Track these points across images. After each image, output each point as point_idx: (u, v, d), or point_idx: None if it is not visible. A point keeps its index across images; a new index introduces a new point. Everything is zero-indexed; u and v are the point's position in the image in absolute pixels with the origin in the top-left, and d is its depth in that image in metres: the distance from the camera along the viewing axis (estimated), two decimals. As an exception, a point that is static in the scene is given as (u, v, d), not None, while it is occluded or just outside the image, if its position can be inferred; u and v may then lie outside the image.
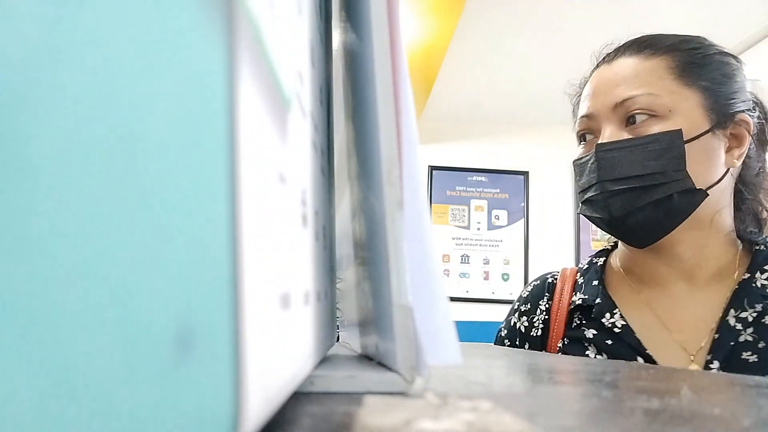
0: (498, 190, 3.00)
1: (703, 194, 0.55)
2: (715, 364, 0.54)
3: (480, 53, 2.32)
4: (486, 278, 2.90)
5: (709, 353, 0.54)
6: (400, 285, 0.19)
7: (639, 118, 0.56)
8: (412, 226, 0.19)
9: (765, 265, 0.57)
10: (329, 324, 0.30)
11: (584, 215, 0.63)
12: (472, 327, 2.80)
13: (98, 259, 0.07)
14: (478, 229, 2.95)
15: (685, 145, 0.54)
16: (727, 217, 0.59)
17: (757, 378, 0.30)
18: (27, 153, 0.07)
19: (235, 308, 0.09)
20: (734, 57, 0.59)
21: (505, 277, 2.91)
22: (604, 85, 0.60)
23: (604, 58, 0.63)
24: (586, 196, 0.60)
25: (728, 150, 0.57)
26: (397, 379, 0.20)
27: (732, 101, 0.56)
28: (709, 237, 0.58)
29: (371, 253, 0.23)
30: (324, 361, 0.27)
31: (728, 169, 0.57)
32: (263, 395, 0.11)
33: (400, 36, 0.20)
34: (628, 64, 0.59)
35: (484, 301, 2.87)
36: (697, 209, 0.56)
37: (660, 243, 0.59)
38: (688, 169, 0.54)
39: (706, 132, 0.55)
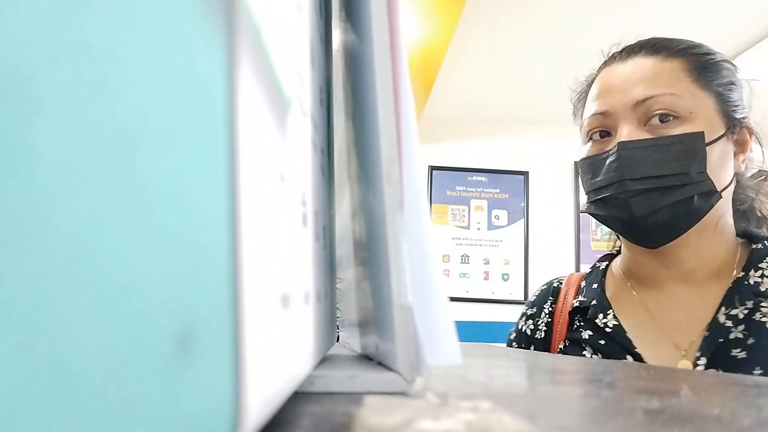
0: (498, 190, 2.99)
1: (718, 196, 0.56)
2: (702, 361, 0.54)
3: (480, 53, 2.32)
4: (486, 278, 2.90)
5: (698, 350, 0.55)
6: (400, 285, 0.19)
7: (661, 118, 0.56)
8: (412, 226, 0.19)
9: (760, 262, 0.57)
10: (329, 324, 0.30)
11: (593, 214, 0.62)
12: (472, 327, 2.80)
13: (98, 260, 0.07)
14: (478, 229, 2.95)
15: (706, 147, 0.55)
16: (729, 219, 0.60)
17: (757, 378, 0.30)
18: (27, 153, 0.07)
19: (235, 308, 0.09)
20: (734, 65, 0.60)
21: (505, 277, 2.90)
22: (620, 83, 0.59)
23: (614, 57, 0.63)
24: (601, 195, 0.59)
25: (735, 155, 0.58)
26: (397, 379, 0.20)
27: (738, 107, 0.57)
28: (711, 239, 0.59)
29: (371, 253, 0.23)
30: (324, 361, 0.27)
31: (735, 173, 0.58)
32: (263, 395, 0.11)
33: (400, 36, 0.20)
34: (645, 63, 0.58)
35: (484, 301, 2.87)
36: (713, 213, 0.57)
37: (676, 244, 0.59)
38: (708, 171, 0.55)
39: (722, 136, 0.56)
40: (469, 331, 2.77)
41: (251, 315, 0.10)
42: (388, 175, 0.19)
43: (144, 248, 0.08)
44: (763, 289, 0.56)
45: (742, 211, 0.62)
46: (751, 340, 0.53)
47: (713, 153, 0.55)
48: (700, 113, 0.55)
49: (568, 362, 0.39)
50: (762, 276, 0.57)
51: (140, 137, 0.08)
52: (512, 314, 2.86)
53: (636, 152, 0.56)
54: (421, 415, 0.14)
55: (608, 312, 0.63)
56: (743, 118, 0.58)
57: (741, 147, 0.58)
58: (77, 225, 0.07)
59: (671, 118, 0.56)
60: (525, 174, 3.00)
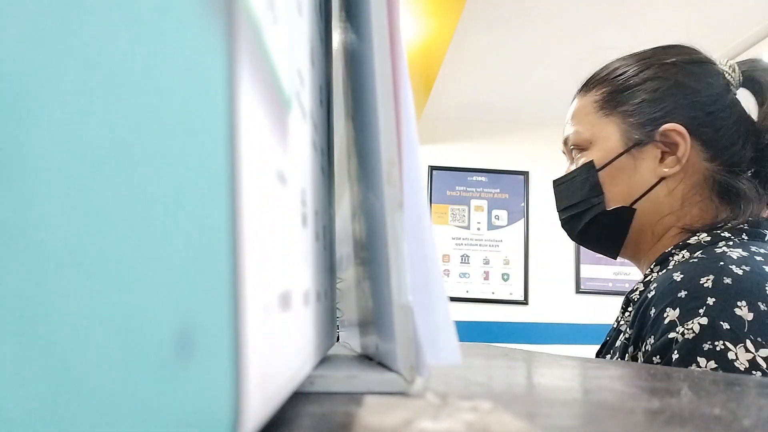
0: (498, 190, 2.99)
1: (629, 210, 0.61)
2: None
3: (480, 53, 2.32)
4: (486, 278, 2.90)
5: (599, 352, 0.62)
6: (400, 285, 0.19)
7: (574, 153, 0.66)
8: (412, 226, 0.19)
9: (656, 265, 0.59)
10: (329, 324, 0.30)
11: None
12: (472, 327, 2.80)
13: (99, 260, 0.07)
14: (478, 229, 2.95)
15: (599, 172, 0.62)
16: (670, 222, 0.61)
17: (757, 378, 0.30)
18: (28, 154, 0.07)
19: (235, 309, 0.09)
20: (693, 64, 0.62)
21: (505, 277, 2.90)
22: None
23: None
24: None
25: (662, 160, 0.61)
26: (397, 379, 0.20)
27: (659, 116, 0.60)
28: (658, 245, 0.62)
29: (371, 253, 0.23)
30: (324, 361, 0.27)
31: (661, 179, 0.61)
32: (263, 395, 0.11)
33: (400, 36, 0.20)
34: (574, 103, 0.68)
35: (484, 301, 2.87)
36: (636, 221, 0.62)
37: (627, 255, 0.66)
38: (607, 192, 0.62)
39: (622, 154, 0.61)
40: (469, 331, 2.77)
41: (251, 315, 0.10)
42: (388, 175, 0.19)
43: (144, 248, 0.08)
44: (634, 294, 0.59)
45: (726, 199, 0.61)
46: (616, 344, 0.57)
47: (611, 174, 0.62)
48: (598, 141, 0.63)
49: (568, 362, 0.39)
50: (646, 277, 0.59)
51: (140, 137, 0.08)
52: (512, 314, 2.86)
53: (559, 187, 0.69)
54: (421, 415, 0.14)
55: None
56: (671, 121, 0.60)
57: (672, 148, 0.60)
58: (78, 225, 0.07)
59: (579, 151, 0.65)
60: (525, 174, 3.00)
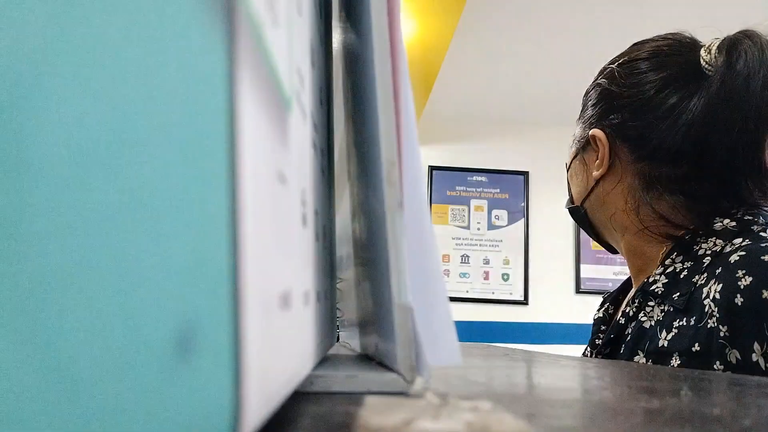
0: (498, 190, 2.99)
1: (577, 208, 0.68)
2: (598, 357, 0.61)
3: (480, 53, 2.32)
4: (486, 278, 2.90)
5: (602, 347, 0.62)
6: (400, 285, 0.19)
7: None
8: (412, 226, 0.19)
9: (666, 259, 0.58)
10: (329, 324, 0.30)
11: None
12: (472, 327, 2.80)
13: (98, 260, 0.07)
14: (478, 229, 2.95)
15: (567, 173, 0.71)
16: (623, 219, 0.62)
17: (757, 378, 0.30)
18: (26, 153, 0.07)
19: (236, 308, 0.09)
20: (626, 65, 0.62)
21: (505, 277, 2.90)
22: None
23: None
24: None
25: (594, 162, 0.65)
26: (397, 379, 0.20)
27: (593, 122, 0.65)
28: (620, 241, 0.65)
29: (371, 253, 0.23)
30: (324, 361, 0.27)
31: (597, 181, 0.64)
32: (263, 395, 0.11)
33: (400, 36, 0.20)
34: None
35: (484, 301, 2.87)
36: (592, 219, 0.67)
37: (622, 252, 0.67)
38: (571, 191, 0.70)
39: (573, 160, 0.69)
40: (469, 331, 2.77)
41: (251, 315, 0.10)
42: (388, 175, 0.19)
43: (144, 248, 0.08)
44: (654, 287, 0.57)
45: (675, 199, 0.60)
46: (629, 337, 0.57)
47: (570, 176, 0.70)
48: (572, 146, 0.70)
49: (568, 362, 0.39)
50: (662, 273, 0.57)
51: (140, 138, 0.08)
52: (512, 314, 2.86)
53: None
54: (421, 415, 0.14)
55: (609, 303, 0.70)
56: (594, 128, 0.64)
57: (594, 152, 0.65)
58: (78, 225, 0.07)
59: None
60: (525, 174, 3.00)
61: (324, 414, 0.16)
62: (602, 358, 0.61)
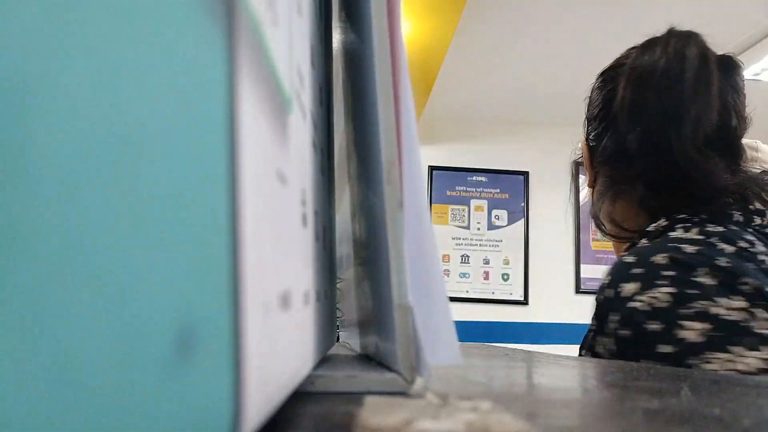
0: (498, 190, 2.99)
1: (595, 217, 0.71)
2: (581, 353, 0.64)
3: (480, 53, 2.32)
4: (486, 278, 2.90)
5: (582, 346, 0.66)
6: (400, 285, 0.19)
7: None
8: (412, 226, 0.19)
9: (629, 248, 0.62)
10: (329, 324, 0.30)
11: None
12: (472, 327, 2.80)
13: (99, 260, 0.07)
14: (478, 229, 2.94)
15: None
16: (608, 226, 0.66)
17: (757, 378, 0.30)
18: (27, 153, 0.07)
19: (235, 308, 0.09)
20: (604, 72, 0.65)
21: (505, 277, 2.90)
22: None
23: None
24: None
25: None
26: (397, 379, 0.20)
27: (591, 138, 0.68)
28: (618, 242, 0.68)
29: (371, 253, 0.23)
30: (324, 361, 0.27)
31: (591, 188, 0.69)
32: (263, 395, 0.11)
33: (400, 36, 0.20)
34: None
35: (484, 301, 2.87)
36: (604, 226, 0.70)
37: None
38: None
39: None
40: (469, 331, 2.77)
41: (251, 315, 0.10)
42: (388, 175, 0.19)
43: (145, 248, 0.08)
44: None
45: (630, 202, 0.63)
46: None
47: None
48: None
49: (568, 362, 0.39)
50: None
51: (140, 137, 0.08)
52: (512, 314, 2.86)
53: None
54: (421, 415, 0.14)
55: None
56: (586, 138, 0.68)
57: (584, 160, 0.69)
58: (78, 225, 0.07)
59: None
60: (525, 174, 3.00)
61: (324, 414, 0.16)
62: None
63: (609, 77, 0.64)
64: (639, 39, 0.66)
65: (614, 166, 0.62)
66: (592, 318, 0.55)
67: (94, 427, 0.07)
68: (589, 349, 0.55)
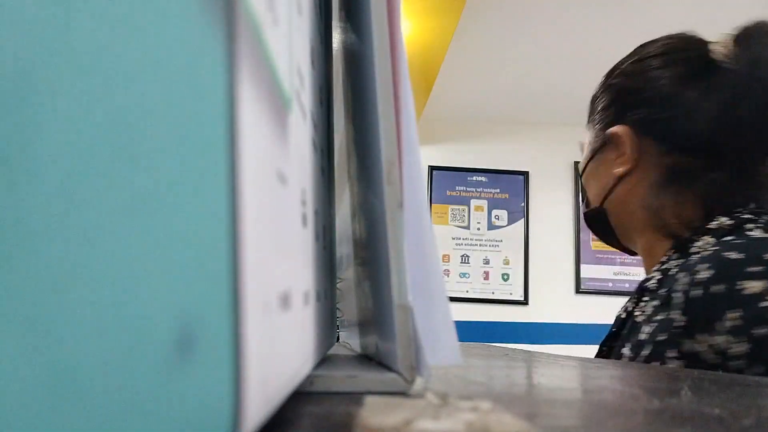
0: (498, 190, 2.99)
1: (597, 209, 0.67)
2: (602, 349, 0.62)
3: (480, 53, 2.32)
4: (486, 278, 2.90)
5: (603, 343, 0.63)
6: (400, 285, 0.19)
7: None
8: (412, 226, 0.19)
9: (664, 258, 0.59)
10: (329, 324, 0.30)
11: None
12: (472, 327, 2.80)
13: (99, 260, 0.07)
14: (478, 229, 2.95)
15: (581, 177, 0.71)
16: (644, 217, 0.62)
17: (758, 378, 0.30)
18: (27, 153, 0.07)
19: (235, 308, 0.09)
20: (638, 62, 0.64)
21: (505, 277, 2.90)
22: None
23: None
24: None
25: (616, 159, 0.64)
26: (397, 379, 0.20)
27: (610, 121, 0.65)
28: (638, 240, 0.65)
29: (371, 253, 0.23)
30: (324, 361, 0.27)
31: (619, 178, 0.64)
32: (263, 395, 0.11)
33: (400, 36, 0.20)
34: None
35: (484, 301, 2.87)
36: (612, 219, 0.66)
37: (637, 250, 0.67)
38: (588, 194, 0.69)
39: (590, 160, 0.68)
40: (469, 331, 2.77)
41: (251, 315, 0.10)
42: (388, 175, 0.19)
43: (145, 248, 0.08)
44: (648, 284, 0.58)
45: (687, 199, 0.61)
46: (624, 332, 0.58)
47: (586, 178, 0.69)
48: (583, 150, 0.70)
49: (568, 362, 0.39)
50: (658, 270, 0.58)
51: (140, 138, 0.08)
52: (512, 314, 2.86)
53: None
54: (421, 415, 0.14)
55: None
56: (614, 126, 0.64)
57: (617, 148, 0.64)
58: (78, 225, 0.07)
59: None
60: (525, 174, 3.00)
61: (324, 414, 0.16)
62: (601, 351, 0.61)
63: (681, 59, 0.60)
64: (639, 39, 0.66)
65: (683, 156, 0.59)
66: (669, 314, 0.50)
67: (95, 427, 0.07)
68: (660, 345, 0.50)
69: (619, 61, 0.66)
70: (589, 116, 0.70)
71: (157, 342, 0.08)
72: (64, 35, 0.07)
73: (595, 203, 0.67)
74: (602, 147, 0.66)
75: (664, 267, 0.58)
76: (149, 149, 0.08)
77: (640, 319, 0.56)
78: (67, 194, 0.07)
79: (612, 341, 0.61)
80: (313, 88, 0.23)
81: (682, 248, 0.57)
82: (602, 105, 0.66)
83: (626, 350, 0.55)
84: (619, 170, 0.63)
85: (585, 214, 0.70)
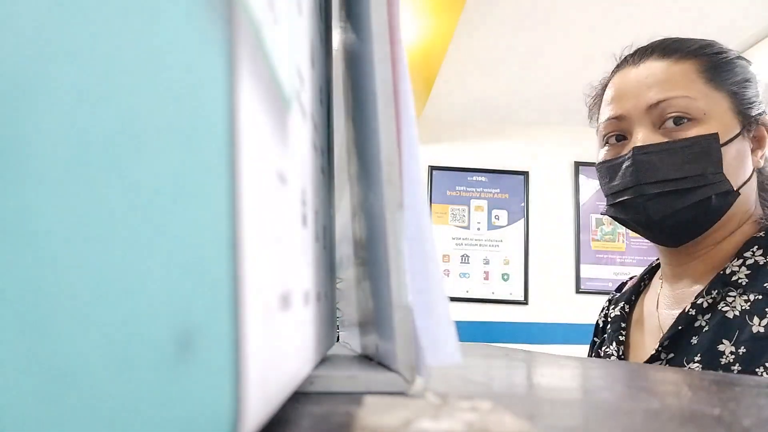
0: (498, 190, 2.99)
1: (736, 195, 0.57)
2: (659, 348, 0.58)
3: (480, 53, 2.32)
4: (486, 278, 2.90)
5: (663, 339, 0.58)
6: (400, 285, 0.19)
7: (675, 121, 0.57)
8: (412, 226, 0.19)
9: (746, 251, 0.57)
10: (329, 324, 0.30)
11: (613, 217, 0.64)
12: (472, 327, 2.80)
13: (98, 260, 0.07)
14: (478, 229, 2.94)
15: (723, 147, 0.56)
16: (753, 215, 0.60)
17: (757, 378, 0.30)
18: (26, 154, 0.07)
19: (235, 309, 0.09)
20: (747, 61, 0.61)
21: (505, 277, 2.90)
22: (634, 87, 0.60)
23: (626, 60, 0.64)
24: (619, 199, 0.61)
25: (753, 151, 0.59)
26: (397, 379, 0.20)
27: (753, 104, 0.58)
28: (734, 236, 0.59)
29: (371, 253, 0.23)
30: (324, 361, 0.27)
31: (754, 170, 0.59)
32: (263, 395, 0.11)
33: (400, 36, 0.20)
34: (658, 66, 0.60)
35: (484, 301, 2.86)
36: (735, 207, 0.58)
37: (696, 242, 0.60)
38: (724, 171, 0.56)
39: (738, 135, 0.57)
40: (469, 331, 2.76)
41: (251, 315, 0.10)
42: (388, 175, 0.19)
43: (144, 249, 0.08)
44: (735, 278, 0.55)
45: None
46: (706, 329, 0.55)
47: (729, 153, 0.56)
48: (714, 114, 0.57)
49: (568, 362, 0.39)
50: (741, 265, 0.56)
51: (139, 138, 0.08)
52: (512, 314, 2.86)
53: (651, 156, 0.58)
54: (421, 415, 0.14)
55: (621, 303, 0.69)
56: (759, 114, 0.59)
57: (758, 143, 0.59)
58: (78, 225, 0.07)
59: (685, 120, 0.57)
60: (525, 174, 3.00)
61: (324, 414, 0.16)
62: (664, 350, 0.58)
63: None
64: (639, 39, 0.66)
65: None
66: None
67: (94, 428, 0.07)
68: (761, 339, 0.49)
69: (721, 46, 0.60)
70: (719, 79, 0.58)
71: (157, 342, 0.08)
72: (63, 35, 0.07)
73: (733, 185, 0.57)
74: (749, 128, 0.58)
75: (750, 263, 0.56)
76: (149, 150, 0.08)
77: (731, 315, 0.54)
78: (66, 194, 0.07)
79: (671, 338, 0.57)
80: (313, 88, 0.23)
81: (765, 244, 0.56)
82: (745, 81, 0.58)
83: (725, 347, 0.52)
84: (760, 163, 0.59)
85: (724, 193, 0.57)
